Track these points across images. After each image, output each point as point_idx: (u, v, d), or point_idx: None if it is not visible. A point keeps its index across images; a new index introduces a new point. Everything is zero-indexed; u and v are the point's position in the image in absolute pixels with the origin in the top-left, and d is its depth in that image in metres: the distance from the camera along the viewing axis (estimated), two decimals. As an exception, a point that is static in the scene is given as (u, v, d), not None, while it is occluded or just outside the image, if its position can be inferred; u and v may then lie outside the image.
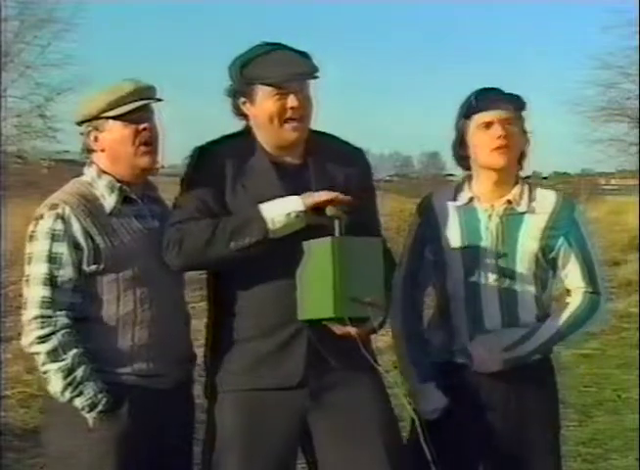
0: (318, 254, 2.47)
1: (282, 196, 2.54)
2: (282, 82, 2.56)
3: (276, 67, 2.56)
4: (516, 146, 2.73)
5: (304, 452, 2.71)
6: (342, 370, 2.63)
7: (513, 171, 2.77)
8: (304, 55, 2.62)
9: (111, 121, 2.59)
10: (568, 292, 2.80)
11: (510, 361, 2.70)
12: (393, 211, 11.29)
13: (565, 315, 2.74)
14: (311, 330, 2.59)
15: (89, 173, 2.65)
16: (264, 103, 2.59)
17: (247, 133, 2.68)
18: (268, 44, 2.62)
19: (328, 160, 2.66)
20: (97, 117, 2.60)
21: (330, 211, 2.50)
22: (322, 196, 2.52)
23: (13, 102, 17.78)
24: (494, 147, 2.70)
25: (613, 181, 36.48)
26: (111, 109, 2.58)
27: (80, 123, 2.65)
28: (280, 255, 2.52)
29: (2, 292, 8.29)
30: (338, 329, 2.51)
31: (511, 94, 2.75)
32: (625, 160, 21.72)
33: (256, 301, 2.62)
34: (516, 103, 2.74)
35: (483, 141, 2.71)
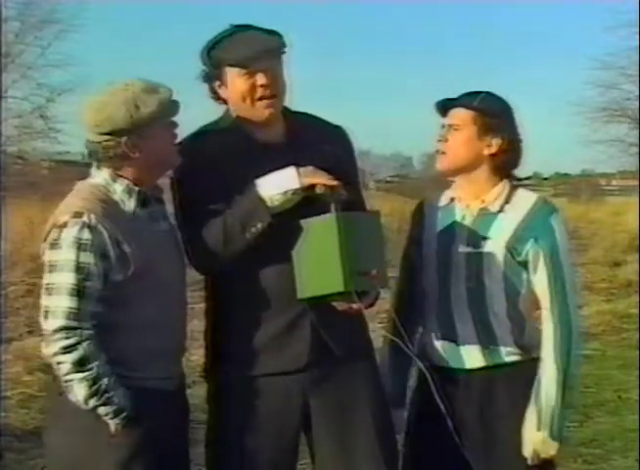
0: (320, 231, 2.47)
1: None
2: (247, 61, 2.58)
3: (240, 47, 2.59)
4: (460, 150, 2.71)
5: (306, 435, 2.72)
6: (343, 354, 2.64)
7: (478, 171, 2.74)
8: (272, 32, 2.64)
9: (154, 127, 2.51)
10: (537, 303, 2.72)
11: (556, 436, 2.66)
12: (394, 212, 11.28)
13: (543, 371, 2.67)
14: (314, 313, 2.60)
15: (101, 176, 2.59)
16: (234, 83, 2.62)
17: (227, 118, 2.71)
18: (236, 26, 2.64)
19: (311, 137, 2.67)
20: (145, 124, 2.50)
21: (319, 189, 2.52)
22: (318, 179, 2.53)
23: (14, 103, 17.83)
24: (436, 150, 2.76)
25: (614, 182, 36.52)
26: (164, 115, 2.52)
27: (119, 131, 2.49)
28: (279, 237, 2.53)
29: (2, 293, 8.29)
30: (340, 305, 2.52)
31: (471, 98, 2.73)
32: (626, 160, 21.75)
33: (257, 284, 2.63)
34: (474, 106, 2.71)
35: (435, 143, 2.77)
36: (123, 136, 2.50)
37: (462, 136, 2.71)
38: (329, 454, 2.68)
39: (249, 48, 2.58)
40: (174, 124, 2.58)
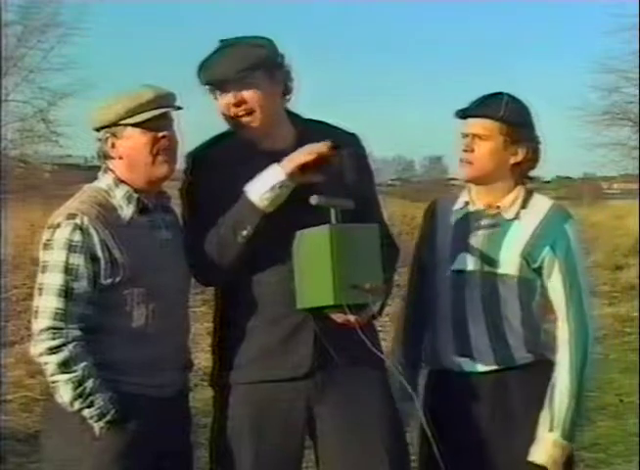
0: (315, 242, 2.47)
1: None
2: (216, 84, 2.60)
3: (214, 68, 2.60)
4: (487, 161, 2.69)
5: (312, 440, 2.71)
6: (347, 361, 2.63)
7: (501, 180, 2.73)
8: (259, 44, 2.62)
9: (129, 128, 2.56)
10: (552, 309, 2.72)
11: (568, 438, 2.68)
12: (396, 216, 11.29)
13: (559, 375, 2.67)
14: (317, 321, 2.59)
15: (105, 181, 2.62)
16: (217, 100, 2.65)
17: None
18: (222, 41, 2.64)
19: None
20: (115, 124, 2.57)
21: (314, 200, 2.48)
22: (301, 157, 2.52)
23: (16, 106, 17.81)
24: (460, 159, 2.73)
25: (615, 185, 36.49)
26: (130, 116, 2.54)
27: (98, 129, 2.62)
28: (280, 244, 2.53)
29: (3, 296, 8.30)
30: (338, 317, 2.52)
31: (494, 105, 2.70)
32: (628, 164, 21.71)
33: (260, 291, 2.63)
34: (501, 117, 2.68)
35: (457, 151, 2.74)
36: (101, 134, 2.59)
37: (489, 146, 2.69)
38: (334, 460, 2.67)
39: (219, 70, 2.58)
40: (157, 130, 2.56)
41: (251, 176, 2.58)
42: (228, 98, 2.60)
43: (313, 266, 2.47)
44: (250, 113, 2.61)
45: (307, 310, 2.55)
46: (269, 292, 2.62)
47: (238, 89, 2.59)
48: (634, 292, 11.06)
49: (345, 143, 2.70)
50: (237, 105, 2.60)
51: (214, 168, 2.64)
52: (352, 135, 2.78)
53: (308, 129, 2.70)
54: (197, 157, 2.70)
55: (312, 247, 2.48)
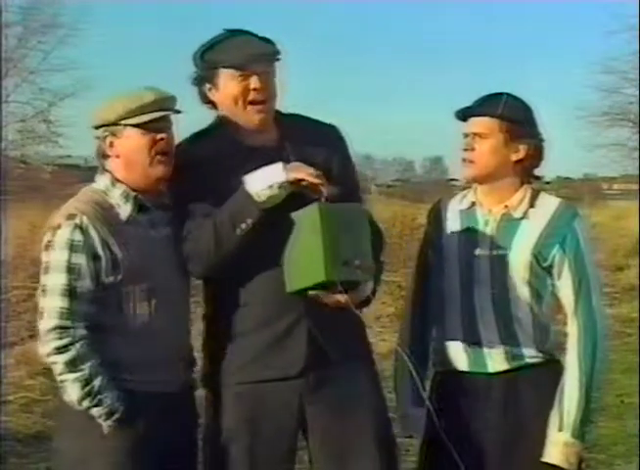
0: (305, 221, 2.48)
1: None
2: (243, 63, 2.61)
3: (237, 49, 2.61)
4: (488, 159, 2.70)
5: (305, 439, 2.72)
6: (340, 360, 2.64)
7: (505, 178, 2.73)
8: (266, 40, 2.67)
9: (129, 128, 2.59)
10: (561, 309, 2.73)
11: (578, 437, 2.72)
12: (396, 216, 11.24)
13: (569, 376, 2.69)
14: (310, 318, 2.59)
15: (102, 181, 2.65)
16: (228, 86, 2.64)
17: (219, 124, 2.72)
18: (230, 31, 2.67)
19: (303, 138, 2.69)
20: (115, 124, 2.60)
21: (306, 183, 2.52)
22: (303, 174, 2.53)
23: (16, 107, 17.81)
24: (462, 159, 2.74)
25: (615, 186, 36.43)
26: (130, 116, 2.58)
27: (97, 127, 2.65)
28: (272, 242, 2.53)
29: (3, 297, 8.29)
30: (328, 298, 2.51)
31: (493, 104, 2.71)
32: (628, 164, 21.70)
33: (252, 291, 2.63)
34: (500, 114, 2.69)
35: (459, 152, 2.74)
36: (100, 132, 2.62)
37: (489, 144, 2.70)
38: (327, 459, 2.68)
39: (245, 51, 2.61)
40: (157, 131, 2.59)
41: (234, 171, 2.58)
42: (249, 81, 2.61)
43: (304, 246, 2.47)
44: (264, 101, 2.63)
45: (297, 294, 2.53)
46: (262, 292, 2.61)
47: (263, 73, 2.61)
48: (635, 293, 11.06)
49: (325, 136, 2.74)
50: (257, 89, 2.61)
51: (199, 162, 2.63)
52: (332, 127, 2.81)
53: (289, 125, 2.72)
54: (182, 150, 2.69)
55: (302, 226, 2.49)
